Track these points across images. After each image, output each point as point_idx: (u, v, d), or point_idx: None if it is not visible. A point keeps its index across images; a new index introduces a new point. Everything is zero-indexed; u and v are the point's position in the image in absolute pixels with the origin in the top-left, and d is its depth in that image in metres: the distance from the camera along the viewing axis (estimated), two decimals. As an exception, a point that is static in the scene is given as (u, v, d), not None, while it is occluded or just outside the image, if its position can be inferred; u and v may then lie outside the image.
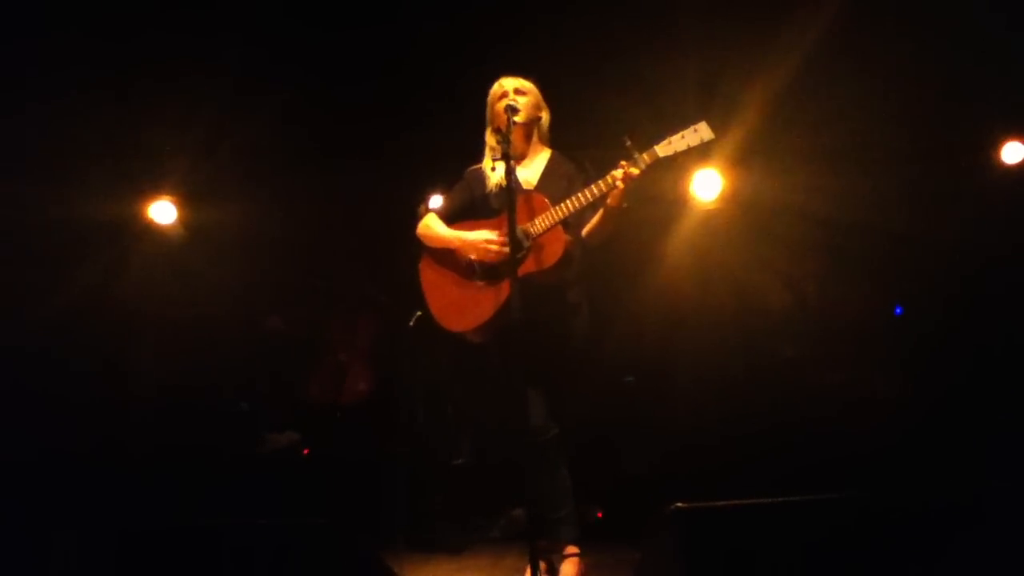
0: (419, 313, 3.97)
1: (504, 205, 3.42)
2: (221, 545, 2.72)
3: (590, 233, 3.50)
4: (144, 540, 2.76)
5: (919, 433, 4.65)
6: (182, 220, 5.49)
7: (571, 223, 3.46)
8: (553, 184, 3.55)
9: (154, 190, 5.41)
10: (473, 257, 3.54)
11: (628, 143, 3.29)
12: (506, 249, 3.37)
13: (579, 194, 3.35)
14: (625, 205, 3.35)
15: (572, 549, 3.45)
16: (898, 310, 5.61)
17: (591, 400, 4.55)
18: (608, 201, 3.34)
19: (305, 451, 5.47)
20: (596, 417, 4.95)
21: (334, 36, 5.07)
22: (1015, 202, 5.27)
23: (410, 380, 4.89)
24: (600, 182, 3.32)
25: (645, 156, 3.29)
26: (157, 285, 5.48)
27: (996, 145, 5.35)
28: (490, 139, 3.63)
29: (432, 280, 3.69)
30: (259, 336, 5.68)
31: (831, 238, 5.43)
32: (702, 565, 2.30)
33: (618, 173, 3.26)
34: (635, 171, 3.26)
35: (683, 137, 3.28)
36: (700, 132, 3.28)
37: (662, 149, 3.30)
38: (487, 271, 3.53)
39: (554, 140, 3.73)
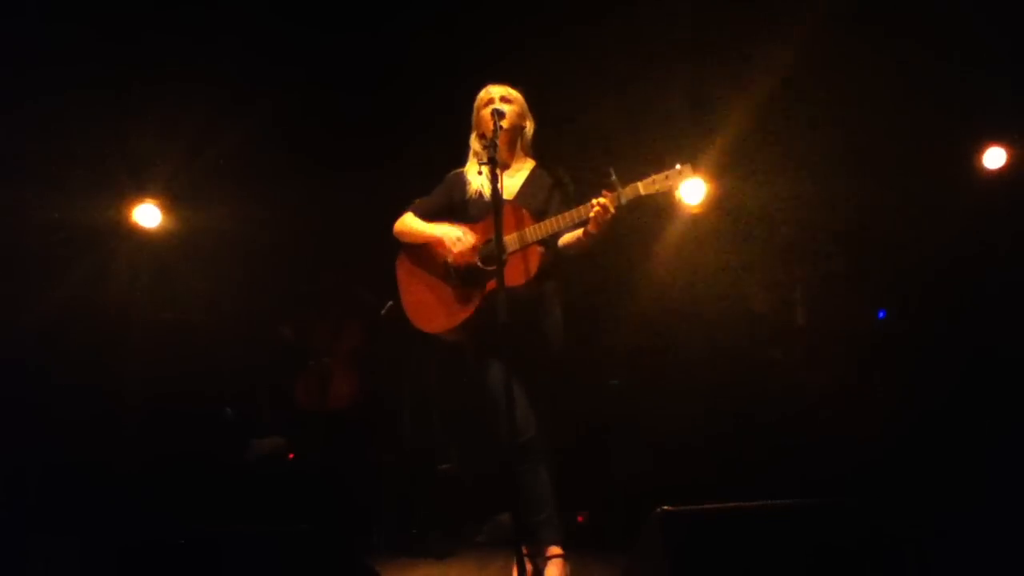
0: (391, 303, 3.97)
1: (482, 213, 3.53)
2: (206, 553, 2.70)
3: (566, 246, 3.52)
4: (129, 551, 2.74)
5: (905, 436, 4.68)
6: (167, 224, 5.47)
7: (548, 239, 3.48)
8: (533, 195, 3.57)
9: (138, 193, 5.38)
10: (448, 259, 3.55)
11: (613, 177, 3.31)
12: (471, 250, 3.47)
13: (558, 217, 3.38)
14: (604, 233, 3.36)
15: (555, 550, 3.43)
16: (881, 314, 5.64)
17: (573, 403, 4.55)
18: (588, 227, 3.36)
19: (290, 455, 5.45)
20: (582, 420, 4.95)
21: (322, 41, 5.07)
22: (997, 206, 5.31)
23: (396, 385, 4.88)
24: (581, 208, 3.34)
25: (627, 191, 3.32)
26: (142, 290, 5.45)
27: (978, 150, 5.39)
28: (475, 144, 3.66)
29: (407, 279, 3.72)
30: (255, 343, 5.65)
31: (815, 243, 5.47)
32: (689, 568, 2.30)
33: (598, 205, 3.28)
34: (613, 206, 3.29)
35: (667, 177, 3.33)
36: (684, 173, 3.33)
37: (645, 187, 3.34)
38: (462, 275, 3.55)
39: (540, 149, 3.73)
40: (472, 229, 3.56)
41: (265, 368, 5.65)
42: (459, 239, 3.51)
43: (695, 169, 3.33)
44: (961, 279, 5.23)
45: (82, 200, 5.11)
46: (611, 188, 3.31)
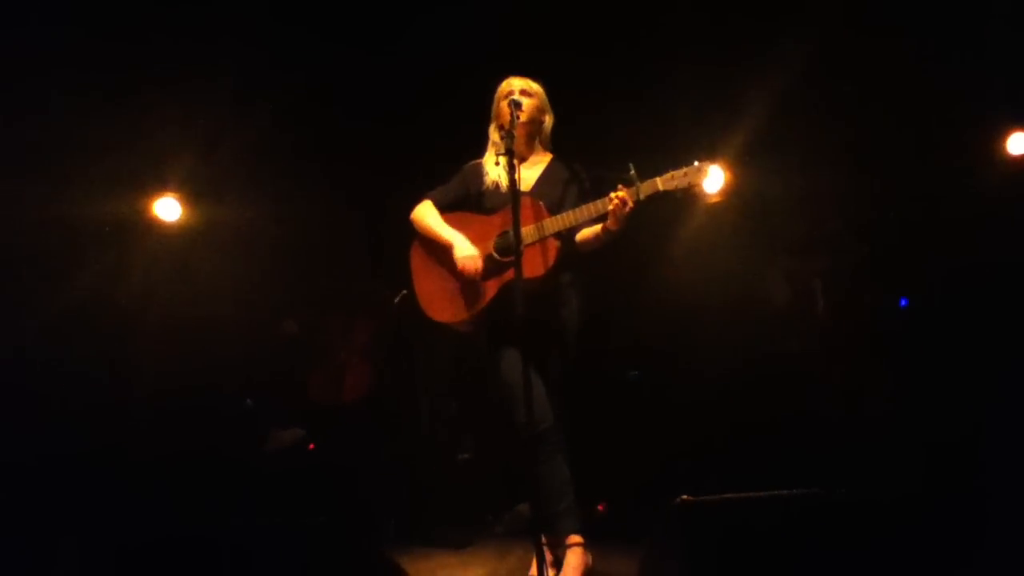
0: (404, 292, 3.98)
1: (498, 205, 3.55)
2: (224, 546, 2.71)
3: (583, 242, 3.54)
4: (145, 543, 2.75)
5: (924, 427, 4.64)
6: (186, 218, 5.49)
7: (564, 232, 3.47)
8: (549, 189, 3.58)
9: (159, 187, 5.41)
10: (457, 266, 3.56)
11: (632, 171, 3.31)
12: (478, 272, 3.47)
13: (577, 210, 3.39)
14: (622, 231, 3.36)
15: (575, 539, 3.44)
16: (903, 301, 5.59)
17: (594, 394, 4.55)
18: (607, 223, 3.36)
19: (311, 446, 5.48)
20: (602, 411, 4.95)
21: (338, 37, 5.08)
22: (1022, 192, 5.25)
23: (413, 376, 4.89)
24: (599, 202, 3.35)
25: (646, 186, 3.32)
26: (161, 284, 5.48)
27: (1002, 136, 5.33)
28: (494, 135, 3.67)
29: (421, 268, 3.73)
30: (269, 338, 5.67)
31: (836, 232, 5.43)
32: (707, 557, 2.29)
33: (616, 199, 3.28)
34: (632, 201, 3.29)
35: (686, 174, 3.32)
36: (703, 171, 3.31)
37: (664, 183, 3.33)
38: None
39: (560, 142, 3.74)
40: (488, 220, 3.57)
41: (272, 359, 5.67)
42: (464, 259, 3.50)
43: (715, 164, 3.32)
44: (985, 267, 5.17)
45: (102, 193, 5.15)
46: (629, 182, 3.31)
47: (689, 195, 3.40)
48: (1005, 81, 5.08)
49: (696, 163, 3.31)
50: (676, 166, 3.34)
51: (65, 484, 4.48)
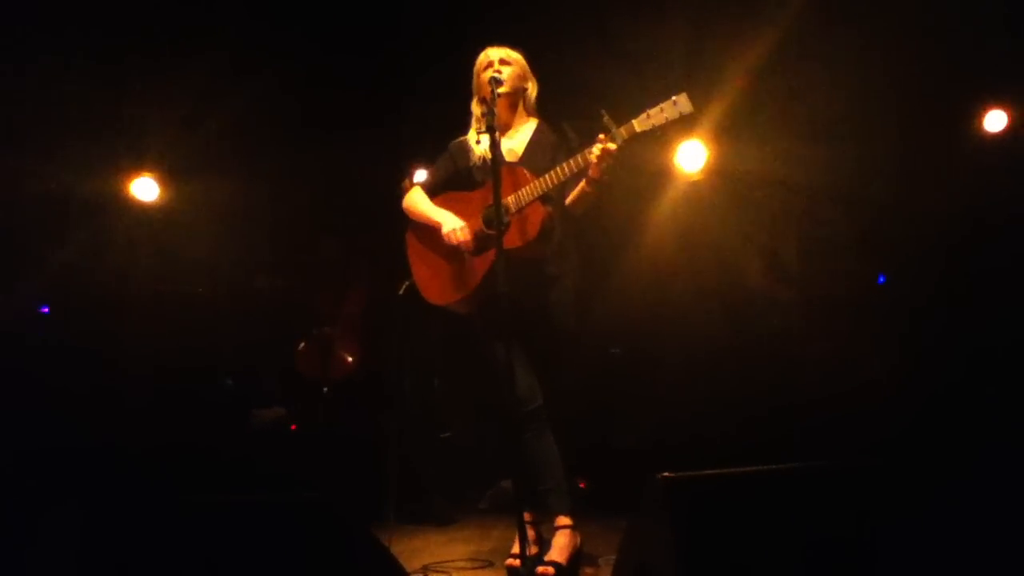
0: (408, 283, 3.98)
1: (487, 177, 3.46)
2: (210, 521, 2.70)
3: (572, 202, 3.49)
4: (126, 514, 2.72)
5: (905, 402, 4.68)
6: (165, 196, 5.44)
7: (551, 196, 3.44)
8: (537, 156, 3.53)
9: (136, 166, 5.35)
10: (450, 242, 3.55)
11: (605, 117, 3.24)
12: (467, 242, 3.44)
13: (556, 169, 3.32)
14: (606, 179, 3.32)
15: (564, 520, 3.45)
16: (881, 279, 5.63)
17: (577, 372, 4.56)
18: (589, 174, 3.31)
19: (292, 427, 5.47)
20: (583, 389, 4.96)
21: (321, 9, 5.03)
22: (998, 170, 5.29)
23: (399, 353, 4.89)
24: (579, 156, 3.28)
25: (623, 130, 3.24)
26: (140, 262, 5.44)
27: (979, 113, 5.36)
28: (476, 109, 3.63)
29: (416, 252, 3.73)
30: (248, 300, 5.66)
31: (815, 208, 5.45)
32: (689, 534, 2.31)
33: (596, 148, 3.23)
34: (612, 146, 3.22)
35: (662, 110, 3.21)
36: (679, 105, 3.20)
37: (640, 124, 3.25)
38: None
39: (540, 109, 3.70)
40: (473, 196, 3.55)
41: (254, 336, 5.64)
42: (450, 233, 3.49)
43: (692, 100, 3.21)
44: (963, 243, 5.21)
45: (79, 172, 5.09)
46: (606, 130, 3.25)
47: (668, 131, 3.32)
48: (983, 58, 5.09)
49: (673, 98, 3.21)
50: (651, 105, 3.24)
51: (47, 463, 4.46)
